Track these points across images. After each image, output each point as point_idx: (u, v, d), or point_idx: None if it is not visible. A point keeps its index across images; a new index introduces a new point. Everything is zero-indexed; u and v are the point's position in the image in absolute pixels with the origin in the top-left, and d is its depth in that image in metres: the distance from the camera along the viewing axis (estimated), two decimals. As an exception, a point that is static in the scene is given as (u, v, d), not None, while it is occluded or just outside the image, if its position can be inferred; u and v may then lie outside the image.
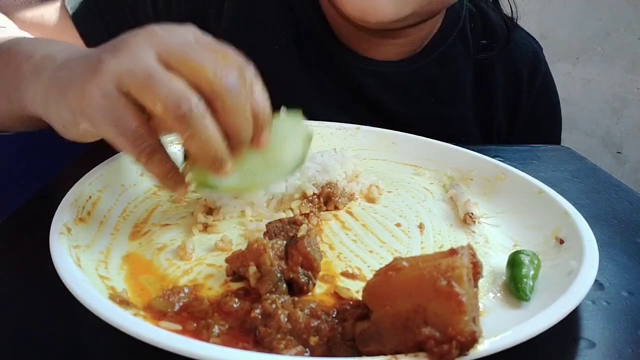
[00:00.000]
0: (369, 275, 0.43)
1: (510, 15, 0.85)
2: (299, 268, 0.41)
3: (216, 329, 0.35)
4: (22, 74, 0.48)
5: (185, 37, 0.41)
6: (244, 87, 0.40)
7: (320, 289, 0.42)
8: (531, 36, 0.90)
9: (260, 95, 0.42)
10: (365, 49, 0.80)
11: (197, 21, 0.77)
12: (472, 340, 0.30)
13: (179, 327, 0.36)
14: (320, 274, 0.43)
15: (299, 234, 0.43)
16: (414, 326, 0.31)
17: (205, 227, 0.50)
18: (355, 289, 0.42)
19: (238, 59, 0.41)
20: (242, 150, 0.42)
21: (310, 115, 0.75)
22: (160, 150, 0.41)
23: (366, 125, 0.72)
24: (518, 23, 0.87)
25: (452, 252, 0.33)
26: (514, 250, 0.47)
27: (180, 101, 0.37)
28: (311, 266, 0.41)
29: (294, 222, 0.43)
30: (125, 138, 0.39)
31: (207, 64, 0.39)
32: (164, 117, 0.38)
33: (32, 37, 0.59)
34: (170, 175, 0.42)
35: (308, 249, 0.41)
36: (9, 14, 0.67)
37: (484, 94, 0.85)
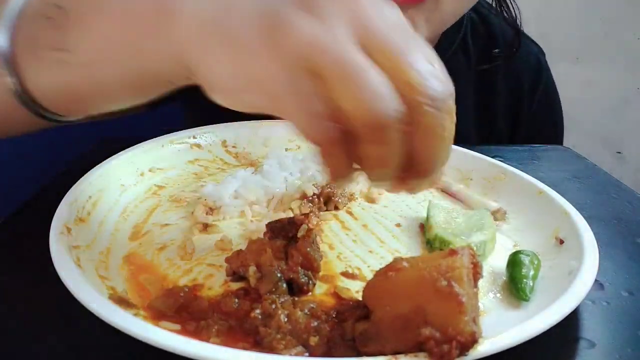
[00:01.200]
0: (369, 276, 0.43)
1: (512, 18, 0.84)
2: (299, 268, 0.41)
3: (216, 329, 0.35)
4: (164, 13, 0.35)
5: (392, 19, 0.32)
6: (449, 106, 0.32)
7: (320, 289, 0.42)
8: (533, 41, 0.90)
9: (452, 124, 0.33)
10: None
11: None
12: (472, 340, 0.30)
13: (179, 327, 0.36)
14: (320, 274, 0.43)
15: (299, 234, 0.43)
16: (414, 326, 0.31)
17: (205, 227, 0.50)
18: (355, 289, 0.42)
19: (444, 69, 0.33)
20: (423, 179, 0.34)
21: None
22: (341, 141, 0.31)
23: None
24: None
25: (452, 252, 0.33)
26: (514, 250, 0.47)
27: (380, 108, 0.29)
28: (311, 266, 0.41)
29: (293, 222, 0.43)
30: (311, 121, 0.30)
31: (418, 64, 0.30)
32: (355, 119, 0.30)
33: None
34: (346, 173, 0.33)
35: (308, 249, 0.41)
36: None
37: (485, 102, 0.85)
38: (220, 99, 0.34)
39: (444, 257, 0.33)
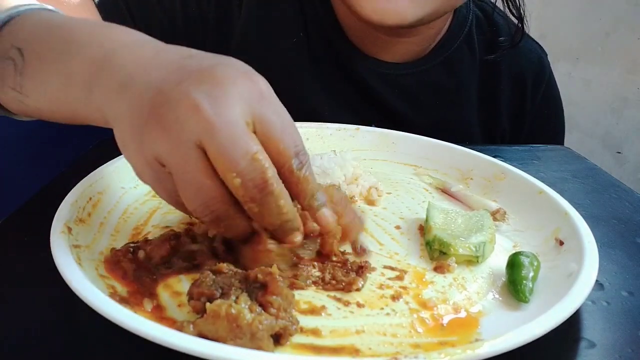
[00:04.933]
0: (368, 277, 0.43)
1: (517, 13, 0.85)
2: (283, 313, 0.36)
3: (191, 327, 0.34)
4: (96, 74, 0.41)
5: (234, 114, 0.36)
6: (279, 185, 0.37)
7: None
8: (536, 42, 0.91)
9: (311, 185, 0.40)
10: (375, 50, 0.80)
11: (221, 17, 0.73)
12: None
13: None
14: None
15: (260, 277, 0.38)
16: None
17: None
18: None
19: (294, 141, 0.38)
20: (291, 239, 0.40)
21: (319, 115, 0.76)
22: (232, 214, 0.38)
23: (374, 126, 0.72)
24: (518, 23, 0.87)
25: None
26: (514, 251, 0.47)
27: (207, 211, 0.37)
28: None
29: (219, 272, 0.39)
30: (181, 207, 0.39)
31: (235, 165, 0.35)
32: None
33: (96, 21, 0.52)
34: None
35: (279, 283, 0.37)
36: None
37: (489, 99, 0.86)
38: None
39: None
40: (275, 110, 0.38)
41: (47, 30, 0.47)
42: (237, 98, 0.36)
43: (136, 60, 0.40)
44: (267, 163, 0.36)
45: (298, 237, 0.40)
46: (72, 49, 0.43)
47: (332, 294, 0.41)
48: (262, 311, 0.35)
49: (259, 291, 0.36)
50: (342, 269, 0.43)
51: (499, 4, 0.86)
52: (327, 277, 0.43)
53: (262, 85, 0.38)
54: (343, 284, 0.42)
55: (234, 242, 0.43)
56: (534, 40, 0.90)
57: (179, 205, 0.39)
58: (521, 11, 0.84)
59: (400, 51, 0.81)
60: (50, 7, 0.51)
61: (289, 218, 0.38)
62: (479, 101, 0.86)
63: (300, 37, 0.80)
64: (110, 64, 0.40)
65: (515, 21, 0.85)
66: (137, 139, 0.37)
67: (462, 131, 0.84)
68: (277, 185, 0.37)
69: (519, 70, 0.86)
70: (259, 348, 0.33)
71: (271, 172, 0.36)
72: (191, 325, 0.34)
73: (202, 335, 0.33)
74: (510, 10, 0.84)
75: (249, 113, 0.36)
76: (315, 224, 0.43)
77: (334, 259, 0.45)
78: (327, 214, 0.41)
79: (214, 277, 0.38)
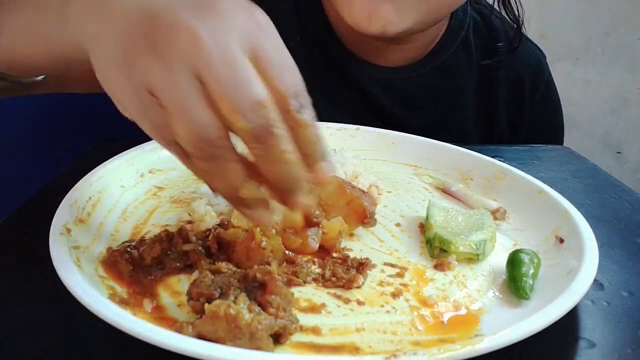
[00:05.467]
0: (369, 276, 0.43)
1: (515, 17, 0.84)
2: (282, 312, 0.36)
3: (190, 328, 0.34)
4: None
5: (235, 44, 0.34)
6: (283, 130, 0.34)
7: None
8: (534, 43, 0.90)
9: (310, 130, 0.36)
10: (370, 55, 0.80)
11: None
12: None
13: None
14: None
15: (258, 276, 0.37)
16: None
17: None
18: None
19: (291, 85, 0.35)
20: (293, 197, 0.37)
21: (317, 119, 0.75)
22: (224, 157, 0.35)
23: None
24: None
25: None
26: (514, 249, 0.47)
27: (204, 143, 0.34)
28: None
29: (218, 271, 0.39)
30: (167, 142, 0.36)
31: (240, 103, 0.33)
32: (183, 142, 0.34)
33: None
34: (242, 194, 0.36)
35: (278, 282, 0.37)
36: None
37: (486, 102, 0.85)
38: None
39: None
40: (274, 45, 0.36)
41: None
42: (237, 30, 0.34)
43: None
44: (272, 107, 0.34)
45: (303, 199, 0.37)
46: None
47: (332, 291, 0.41)
48: (261, 311, 0.35)
49: (257, 291, 0.36)
50: (342, 266, 0.43)
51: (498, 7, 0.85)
52: (327, 274, 0.43)
53: (260, 18, 0.37)
54: (343, 281, 0.42)
55: (226, 240, 0.43)
56: (532, 43, 0.90)
57: (163, 139, 0.36)
58: (517, 14, 0.83)
59: (395, 57, 0.81)
60: None
61: (294, 168, 0.35)
62: (477, 105, 0.85)
63: (297, 40, 0.79)
64: None
65: (513, 24, 0.84)
66: (125, 65, 0.35)
67: (459, 134, 0.83)
68: (283, 130, 0.34)
69: (517, 74, 0.86)
70: (258, 348, 0.33)
71: (276, 116, 0.34)
72: (190, 326, 0.34)
73: (201, 336, 0.33)
74: (508, 15, 0.84)
75: (247, 46, 0.34)
76: (318, 213, 0.43)
77: (335, 255, 0.45)
78: (326, 167, 0.37)
79: (212, 276, 0.38)
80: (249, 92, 0.33)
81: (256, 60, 0.35)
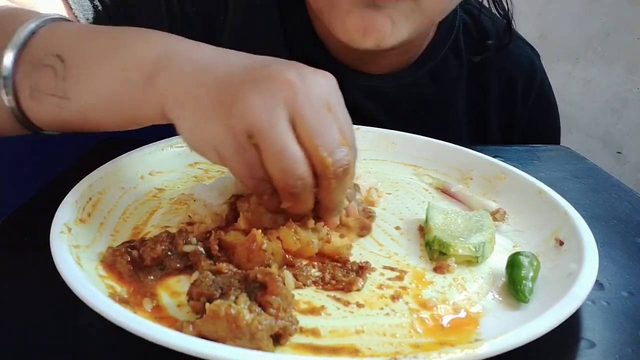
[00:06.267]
0: (368, 278, 0.44)
1: (504, 12, 0.82)
2: (282, 313, 0.36)
3: (191, 328, 0.34)
4: (154, 70, 0.43)
5: (321, 98, 0.41)
6: (350, 172, 0.43)
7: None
8: (527, 43, 0.88)
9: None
10: (357, 63, 0.79)
11: (207, 24, 0.71)
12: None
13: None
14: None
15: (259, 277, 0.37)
16: None
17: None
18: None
19: (353, 137, 0.43)
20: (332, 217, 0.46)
21: None
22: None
23: None
24: (518, 23, 0.86)
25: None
26: (514, 251, 0.47)
27: (295, 179, 0.40)
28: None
29: (218, 272, 0.39)
30: (249, 180, 0.42)
31: (329, 147, 0.41)
32: (277, 183, 0.41)
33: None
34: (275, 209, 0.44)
35: (279, 283, 0.37)
36: None
37: (477, 107, 0.84)
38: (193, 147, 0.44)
39: None
40: (342, 104, 0.44)
41: (85, 34, 0.49)
42: (320, 87, 0.42)
43: (201, 54, 0.44)
44: (348, 151, 0.42)
45: (335, 220, 0.47)
46: (120, 48, 0.45)
47: (332, 294, 0.41)
48: (262, 311, 0.35)
49: (258, 291, 0.37)
50: (342, 269, 0.43)
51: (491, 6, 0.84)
52: (327, 277, 0.43)
53: (333, 79, 0.44)
54: (343, 284, 0.42)
55: (227, 242, 0.43)
56: (525, 43, 0.88)
57: (253, 178, 0.41)
58: (506, 9, 0.81)
59: (385, 62, 0.79)
60: (67, 17, 0.51)
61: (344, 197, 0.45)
62: (468, 111, 0.84)
63: (284, 50, 0.78)
64: (173, 59, 0.43)
65: (504, 21, 0.82)
66: (222, 113, 0.40)
67: (449, 137, 0.83)
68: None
69: (508, 76, 0.84)
70: (258, 348, 0.33)
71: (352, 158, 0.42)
72: (191, 326, 0.34)
73: (201, 335, 0.33)
74: (497, 10, 0.82)
75: (325, 100, 0.42)
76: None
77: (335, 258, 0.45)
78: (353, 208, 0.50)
79: (213, 277, 0.38)
80: (334, 134, 0.41)
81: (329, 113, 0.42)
